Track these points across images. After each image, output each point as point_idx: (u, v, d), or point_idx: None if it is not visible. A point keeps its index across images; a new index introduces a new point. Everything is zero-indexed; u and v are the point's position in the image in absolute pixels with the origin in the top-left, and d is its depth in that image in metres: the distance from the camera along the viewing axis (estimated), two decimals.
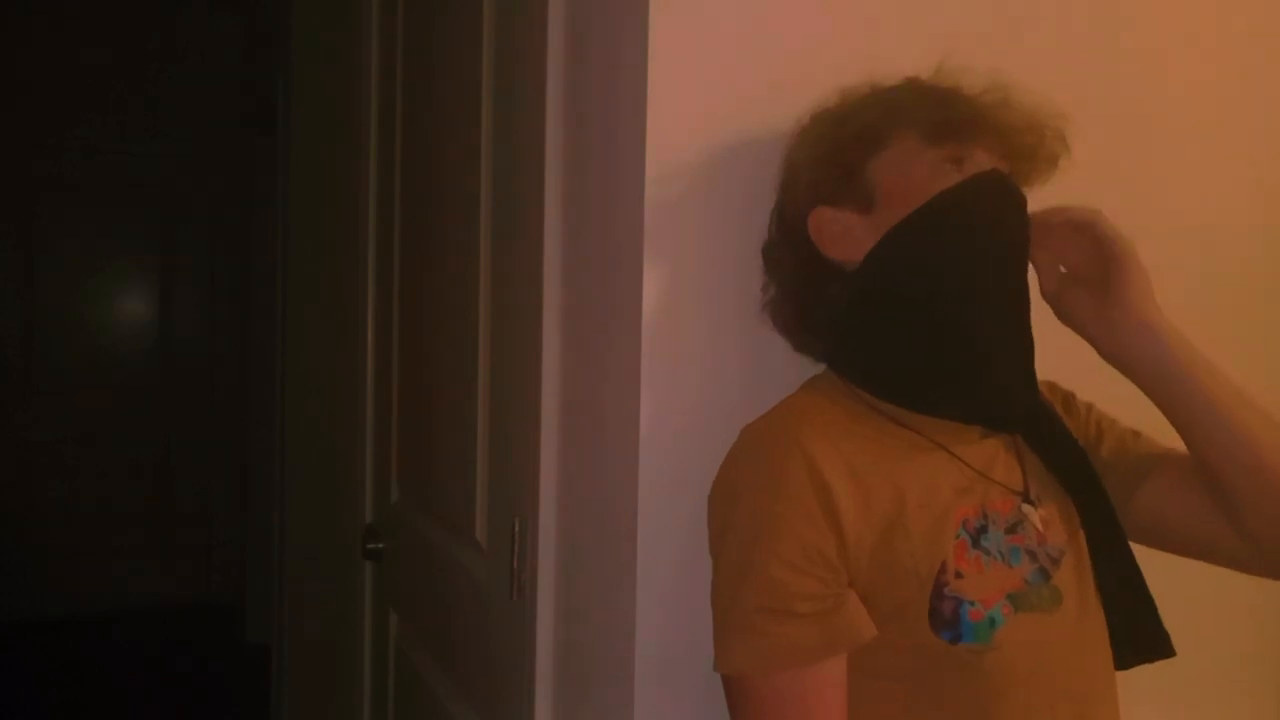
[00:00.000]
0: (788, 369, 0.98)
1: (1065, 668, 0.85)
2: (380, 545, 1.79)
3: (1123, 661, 0.90)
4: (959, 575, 0.82)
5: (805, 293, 0.92)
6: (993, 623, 0.81)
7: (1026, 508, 0.88)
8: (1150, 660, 0.90)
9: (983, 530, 0.85)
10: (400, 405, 1.75)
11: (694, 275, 0.98)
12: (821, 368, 0.95)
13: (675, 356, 0.97)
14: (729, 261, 0.99)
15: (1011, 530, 0.86)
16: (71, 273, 4.53)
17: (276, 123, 3.18)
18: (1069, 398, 1.02)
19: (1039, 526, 0.88)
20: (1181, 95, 1.26)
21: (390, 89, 1.81)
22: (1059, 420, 0.94)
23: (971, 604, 0.81)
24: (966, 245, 0.84)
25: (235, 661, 4.04)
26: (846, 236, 0.88)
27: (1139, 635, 0.90)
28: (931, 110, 0.86)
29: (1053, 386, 1.02)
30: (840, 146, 0.88)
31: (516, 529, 1.20)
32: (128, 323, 4.67)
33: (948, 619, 0.81)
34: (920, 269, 0.84)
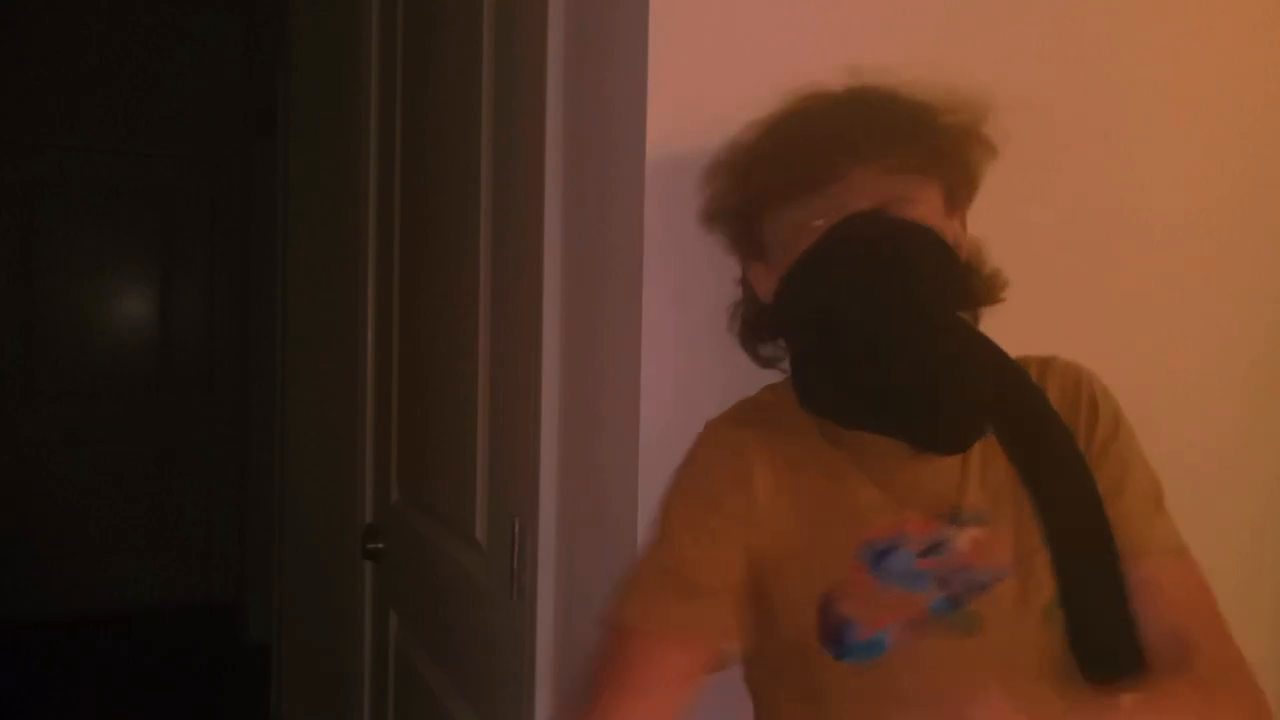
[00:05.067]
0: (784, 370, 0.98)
1: (966, 697, 0.78)
2: (380, 545, 1.79)
3: (1093, 678, 0.82)
4: (848, 596, 0.82)
5: (753, 317, 0.95)
6: (879, 645, 0.81)
7: (951, 530, 0.83)
8: (1120, 678, 0.81)
9: (887, 553, 0.83)
10: (400, 405, 1.75)
11: (694, 275, 0.98)
12: None
13: (675, 356, 0.97)
14: (729, 261, 0.99)
15: (926, 554, 0.83)
16: (71, 273, 4.53)
17: (276, 123, 3.18)
18: (1084, 400, 0.89)
19: (962, 550, 0.83)
20: (1166, 90, 1.26)
21: (390, 89, 1.81)
22: (1047, 425, 0.86)
23: (856, 625, 0.81)
24: (842, 293, 0.80)
25: (235, 661, 4.04)
26: (764, 288, 0.90)
27: (1112, 654, 0.82)
28: (774, 178, 0.82)
29: (1076, 380, 0.90)
30: (725, 217, 0.90)
31: (516, 529, 1.20)
32: (128, 323, 4.66)
33: (833, 636, 0.82)
34: (809, 314, 0.83)
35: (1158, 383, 1.21)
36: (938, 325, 0.80)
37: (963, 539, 0.83)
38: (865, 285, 0.79)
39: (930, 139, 0.82)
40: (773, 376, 0.97)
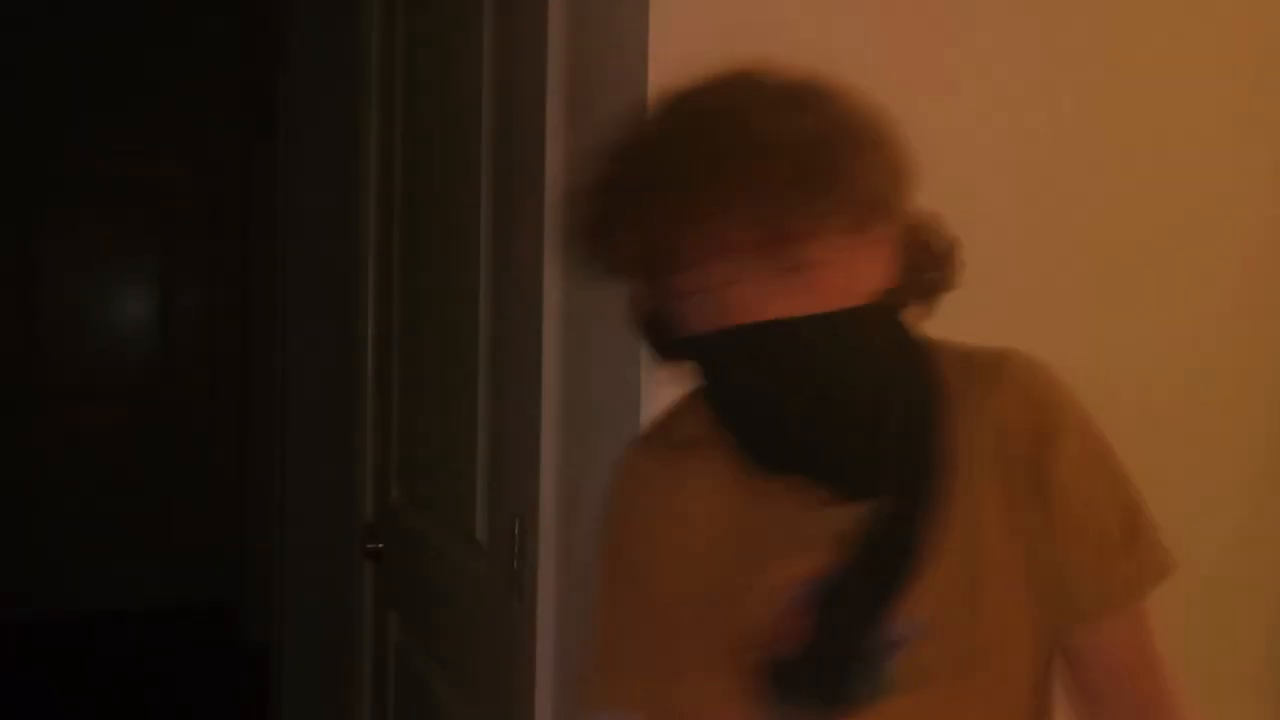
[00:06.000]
0: None
1: None
2: (380, 545, 1.79)
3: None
4: (777, 642, 0.75)
5: None
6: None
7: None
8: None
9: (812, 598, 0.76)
10: (400, 405, 1.75)
11: None
12: None
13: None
14: None
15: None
16: (71, 273, 4.53)
17: (276, 123, 3.18)
18: (1031, 427, 0.76)
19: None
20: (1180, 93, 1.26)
21: (390, 88, 1.81)
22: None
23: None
24: (745, 396, 0.73)
25: (235, 662, 4.04)
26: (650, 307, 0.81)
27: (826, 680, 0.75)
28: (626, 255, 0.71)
29: (1025, 398, 0.77)
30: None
31: (516, 529, 1.20)
32: (128, 323, 4.66)
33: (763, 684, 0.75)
34: (712, 390, 0.76)
35: (1157, 379, 1.21)
36: (848, 403, 0.72)
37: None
38: (768, 395, 0.71)
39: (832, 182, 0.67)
40: None
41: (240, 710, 3.59)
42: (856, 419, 0.72)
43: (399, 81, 1.77)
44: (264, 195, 3.80)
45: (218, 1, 4.40)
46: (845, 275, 0.69)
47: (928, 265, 0.78)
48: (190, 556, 4.63)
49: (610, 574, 0.85)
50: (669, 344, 0.79)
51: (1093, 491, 0.77)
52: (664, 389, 0.97)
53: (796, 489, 0.75)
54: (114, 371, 4.61)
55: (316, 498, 2.52)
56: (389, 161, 1.81)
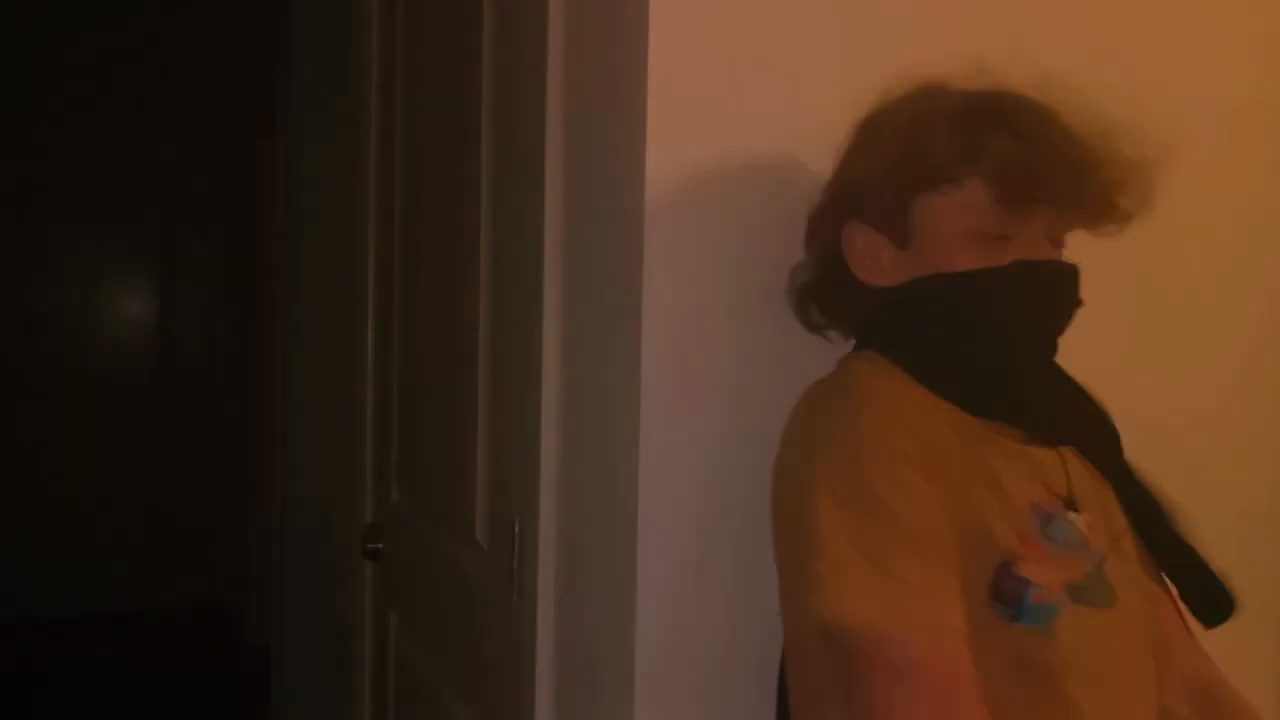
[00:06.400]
0: (786, 369, 0.97)
1: (1114, 668, 0.84)
2: (380, 545, 1.79)
3: (1212, 623, 0.93)
4: (1024, 558, 0.80)
5: (831, 285, 0.93)
6: (1052, 610, 0.80)
7: (1072, 515, 0.86)
8: (1225, 616, 0.93)
9: (1050, 519, 0.84)
10: (400, 405, 1.75)
11: (693, 275, 0.98)
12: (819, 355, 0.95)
13: (675, 357, 0.97)
14: (729, 261, 0.99)
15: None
16: (71, 273, 4.53)
17: (276, 123, 3.18)
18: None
19: (1084, 529, 0.86)
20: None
21: (390, 88, 1.81)
22: (1112, 431, 0.94)
23: (1036, 587, 0.79)
24: (991, 326, 0.85)
25: (235, 663, 4.04)
26: (874, 262, 0.89)
27: (1208, 599, 0.93)
28: (1012, 166, 0.82)
29: None
30: (896, 172, 0.86)
31: (516, 529, 1.20)
32: (128, 323, 4.66)
33: (1008, 596, 0.79)
34: (953, 324, 0.86)
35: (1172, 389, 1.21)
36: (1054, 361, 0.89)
37: (1081, 520, 0.86)
38: (1030, 324, 0.86)
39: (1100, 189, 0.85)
40: (776, 368, 0.97)
41: (240, 710, 3.59)
42: (1057, 367, 0.89)
43: (399, 81, 1.77)
44: (264, 195, 3.80)
45: (218, 1, 4.40)
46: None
47: None
48: (190, 556, 4.63)
49: (853, 490, 0.77)
50: (843, 304, 0.93)
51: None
52: (664, 389, 0.97)
53: (997, 430, 0.87)
54: (114, 371, 4.61)
55: (316, 498, 2.52)
56: (389, 161, 1.81)
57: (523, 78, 1.22)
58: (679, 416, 0.97)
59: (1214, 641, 1.17)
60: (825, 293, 0.94)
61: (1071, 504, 0.87)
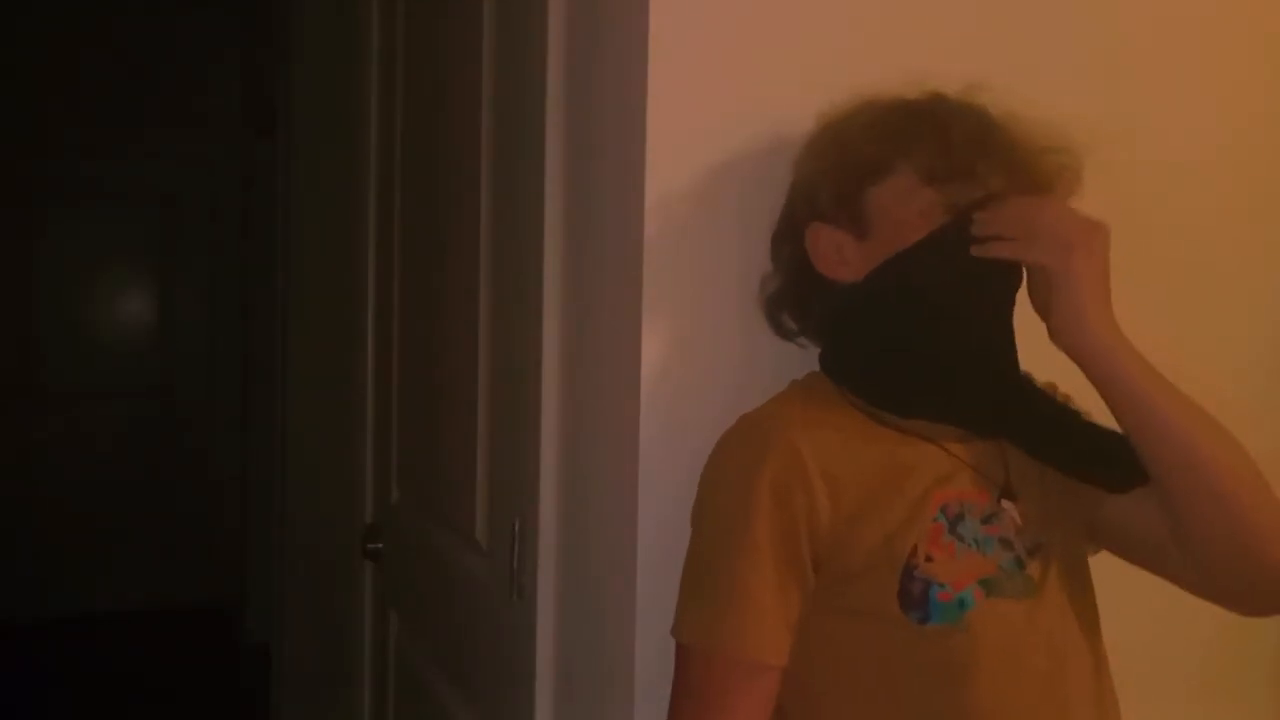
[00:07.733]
0: (783, 370, 0.98)
1: (1041, 659, 0.86)
2: (380, 545, 1.79)
3: (1119, 484, 0.91)
4: (929, 559, 0.84)
5: (799, 291, 0.96)
6: (962, 605, 0.83)
7: (1006, 504, 0.90)
8: (1137, 481, 0.89)
9: (960, 518, 0.87)
10: (400, 405, 1.75)
11: (693, 276, 0.98)
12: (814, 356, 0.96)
13: (674, 357, 0.97)
14: (728, 263, 0.99)
15: (988, 521, 0.89)
16: (71, 273, 4.53)
17: (276, 123, 3.18)
18: (1050, 388, 1.00)
19: (1017, 519, 0.90)
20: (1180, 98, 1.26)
21: (390, 89, 1.81)
22: (1046, 400, 0.95)
23: (941, 586, 0.83)
24: (948, 288, 0.87)
25: (235, 662, 4.04)
26: (838, 257, 0.92)
27: (1117, 467, 0.90)
28: (934, 152, 0.87)
29: None
30: (842, 169, 0.91)
31: (516, 529, 1.20)
32: (128, 323, 4.66)
33: (916, 600, 0.83)
34: (904, 303, 0.89)
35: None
36: (1008, 332, 0.89)
37: (1011, 510, 0.90)
38: (986, 291, 0.87)
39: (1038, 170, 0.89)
40: (774, 369, 0.97)
41: (240, 710, 3.59)
42: (1000, 348, 0.89)
43: (399, 81, 1.77)
44: (264, 196, 3.80)
45: (218, 1, 4.40)
46: None
47: None
48: (190, 556, 4.63)
49: (755, 538, 0.84)
50: (810, 307, 0.95)
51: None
52: (664, 389, 0.97)
53: (931, 430, 0.89)
54: (114, 371, 4.60)
55: (316, 498, 2.52)
56: (389, 161, 1.81)
57: (523, 78, 1.22)
58: (679, 417, 0.97)
59: (1214, 640, 1.18)
60: (794, 298, 0.97)
61: (1008, 492, 0.90)
